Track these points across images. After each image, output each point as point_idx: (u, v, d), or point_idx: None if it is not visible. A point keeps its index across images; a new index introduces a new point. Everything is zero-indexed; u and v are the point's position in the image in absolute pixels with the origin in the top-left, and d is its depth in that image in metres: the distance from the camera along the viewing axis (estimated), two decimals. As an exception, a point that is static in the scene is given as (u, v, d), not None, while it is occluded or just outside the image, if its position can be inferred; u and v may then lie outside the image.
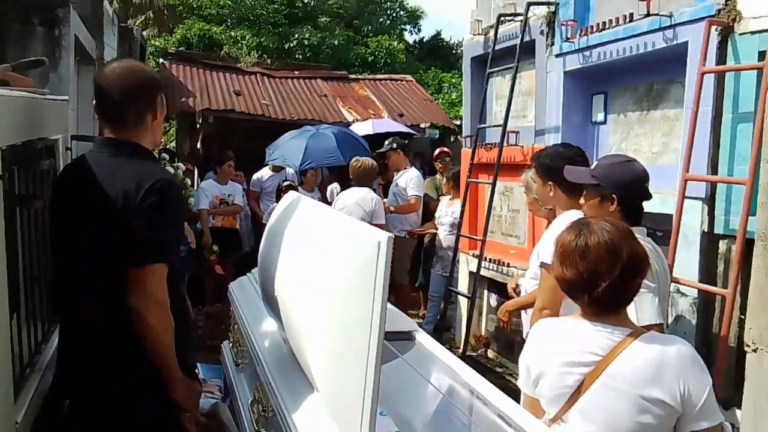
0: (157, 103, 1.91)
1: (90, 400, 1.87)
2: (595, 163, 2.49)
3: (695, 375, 1.52)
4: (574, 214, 2.42)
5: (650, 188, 2.33)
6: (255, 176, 7.01)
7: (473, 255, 4.83)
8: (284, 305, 2.05)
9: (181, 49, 12.20)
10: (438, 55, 19.08)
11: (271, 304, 2.33)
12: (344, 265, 1.55)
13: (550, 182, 2.65)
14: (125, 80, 1.83)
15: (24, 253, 1.89)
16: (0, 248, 1.54)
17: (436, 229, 5.48)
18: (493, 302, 5.17)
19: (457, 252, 5.00)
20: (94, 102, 1.89)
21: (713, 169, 2.87)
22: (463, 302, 5.13)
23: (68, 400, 1.93)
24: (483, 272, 4.73)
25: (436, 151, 6.39)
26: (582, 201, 2.45)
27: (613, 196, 2.28)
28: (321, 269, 1.72)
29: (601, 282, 1.57)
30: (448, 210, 5.37)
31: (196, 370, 3.20)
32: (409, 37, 20.64)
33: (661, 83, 3.40)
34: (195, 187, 6.80)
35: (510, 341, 4.79)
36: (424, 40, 20.71)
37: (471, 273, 4.91)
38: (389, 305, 2.67)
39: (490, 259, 4.75)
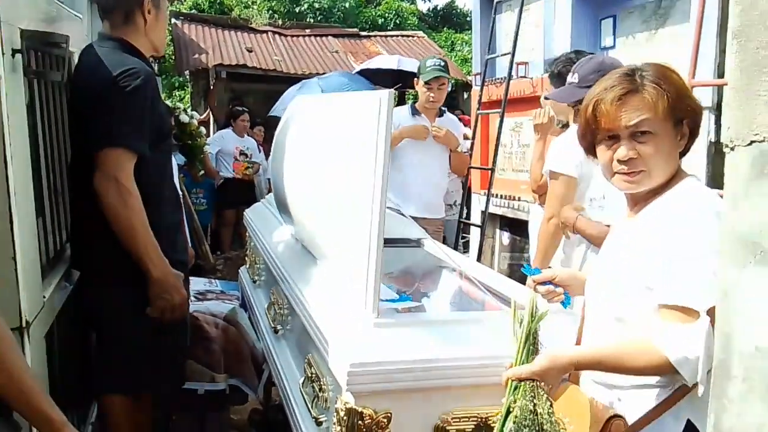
0: (145, 4, 1.99)
1: (93, 280, 2.01)
2: (575, 76, 2.38)
3: None
4: None
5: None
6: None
7: (483, 194, 4.87)
8: (294, 196, 2.12)
9: (192, 11, 12.22)
10: (452, 22, 18.85)
11: (284, 207, 2.41)
12: (346, 129, 1.61)
13: None
14: None
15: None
16: (22, 128, 1.63)
17: None
18: (505, 240, 5.22)
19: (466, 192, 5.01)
20: None
21: (720, 76, 2.88)
22: (474, 243, 5.17)
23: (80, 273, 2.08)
24: (494, 210, 4.76)
25: None
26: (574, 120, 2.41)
27: None
28: (324, 144, 1.78)
29: None
30: None
31: (210, 283, 3.33)
32: (422, 6, 20.39)
33: (668, -1, 3.39)
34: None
35: (523, 279, 4.85)
36: (438, 8, 20.44)
37: (482, 212, 4.95)
38: (401, 215, 2.75)
39: (501, 196, 4.79)
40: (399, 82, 7.00)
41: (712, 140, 2.93)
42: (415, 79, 3.62)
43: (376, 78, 7.12)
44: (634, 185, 1.32)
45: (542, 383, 1.28)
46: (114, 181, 1.80)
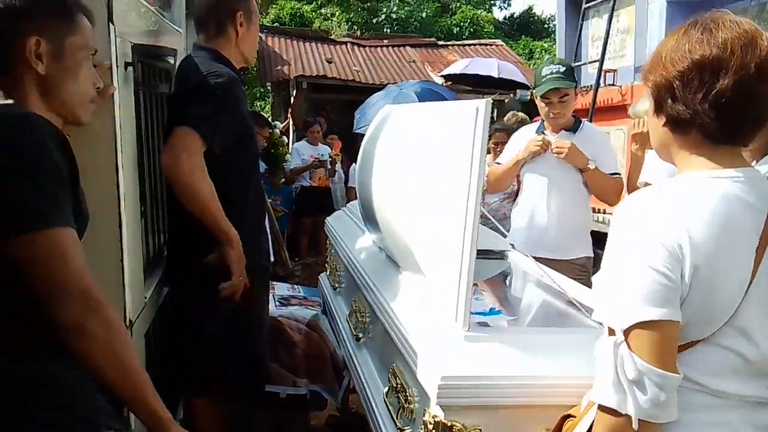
0: (237, 17, 2.04)
1: (186, 284, 2.07)
2: None
3: None
4: None
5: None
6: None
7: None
8: (382, 205, 2.13)
9: (274, 24, 12.66)
10: (529, 30, 18.58)
11: (370, 215, 2.42)
12: (441, 138, 1.60)
13: None
14: None
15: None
16: (131, 128, 1.72)
17: None
18: (588, 254, 5.05)
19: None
20: None
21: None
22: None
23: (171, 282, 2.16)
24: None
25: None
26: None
27: None
28: (417, 153, 1.78)
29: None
30: None
31: (293, 289, 3.40)
32: (499, 14, 20.27)
33: (775, 2, 3.19)
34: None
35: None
36: (515, 15, 20.20)
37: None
38: (483, 227, 2.71)
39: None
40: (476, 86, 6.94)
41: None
42: (533, 91, 3.00)
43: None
44: None
45: None
46: (178, 157, 1.80)
